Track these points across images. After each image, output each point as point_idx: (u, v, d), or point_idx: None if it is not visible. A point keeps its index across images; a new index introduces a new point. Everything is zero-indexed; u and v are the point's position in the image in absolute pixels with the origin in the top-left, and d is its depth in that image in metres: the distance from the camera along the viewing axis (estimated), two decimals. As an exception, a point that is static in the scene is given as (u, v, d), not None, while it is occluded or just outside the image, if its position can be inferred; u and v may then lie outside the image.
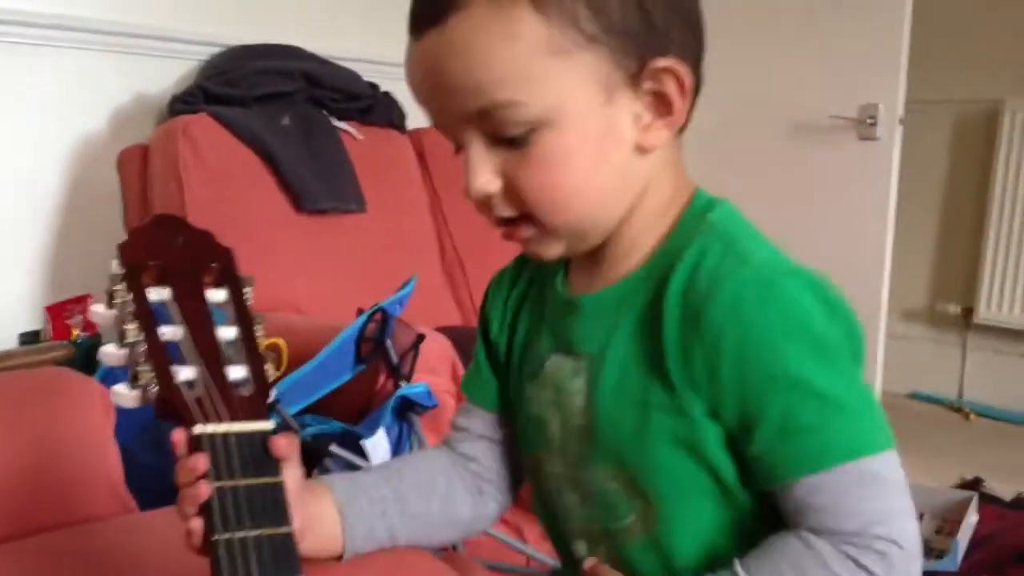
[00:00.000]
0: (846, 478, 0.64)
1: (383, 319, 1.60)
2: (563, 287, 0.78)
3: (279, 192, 2.10)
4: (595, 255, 0.75)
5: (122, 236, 2.10)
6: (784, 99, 3.14)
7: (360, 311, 1.66)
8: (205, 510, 0.64)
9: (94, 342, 1.69)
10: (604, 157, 0.70)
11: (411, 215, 2.40)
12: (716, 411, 0.67)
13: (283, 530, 0.65)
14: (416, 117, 2.51)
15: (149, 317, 0.68)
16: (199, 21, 2.21)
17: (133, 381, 0.67)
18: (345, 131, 2.28)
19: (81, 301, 1.82)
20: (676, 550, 0.73)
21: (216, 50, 2.21)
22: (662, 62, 0.69)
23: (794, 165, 3.13)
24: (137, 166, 2.05)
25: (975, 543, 2.31)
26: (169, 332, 0.68)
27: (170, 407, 0.67)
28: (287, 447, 0.68)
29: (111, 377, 1.51)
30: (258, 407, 0.69)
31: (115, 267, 0.69)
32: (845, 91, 2.99)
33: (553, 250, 0.73)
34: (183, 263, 0.71)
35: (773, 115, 3.17)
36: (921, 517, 2.42)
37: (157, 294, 0.69)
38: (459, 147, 0.71)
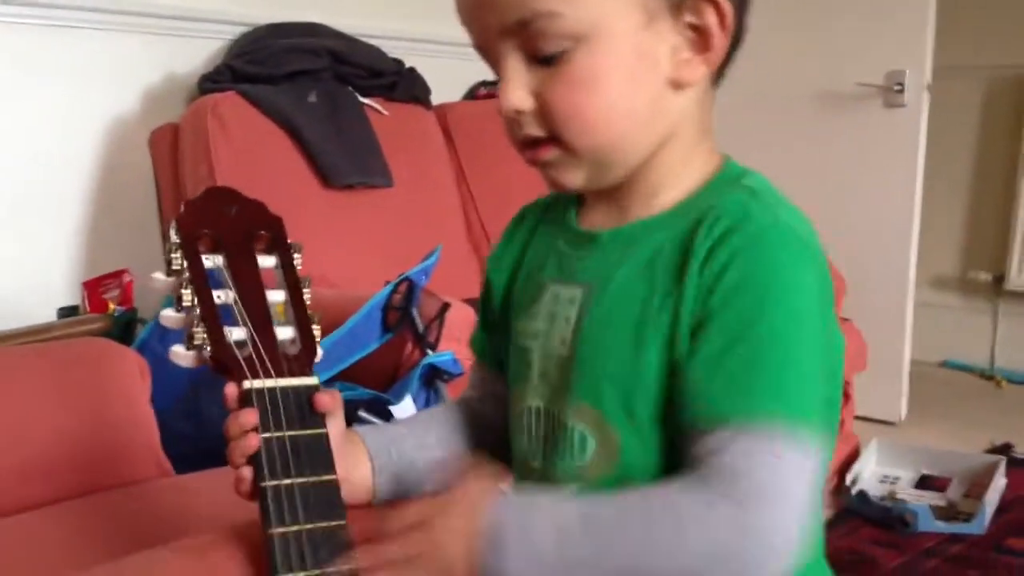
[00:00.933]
0: (760, 441, 0.63)
1: (409, 289, 1.64)
2: (575, 223, 0.79)
3: (307, 168, 2.15)
4: (613, 195, 0.75)
5: (155, 213, 2.16)
6: (810, 67, 3.13)
7: (387, 282, 1.70)
8: (254, 459, 0.70)
9: (131, 316, 1.75)
10: (637, 82, 0.69)
11: (437, 189, 2.43)
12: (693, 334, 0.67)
13: (327, 477, 0.71)
14: (441, 92, 2.54)
15: (203, 282, 0.73)
16: (227, 0, 2.24)
17: (189, 341, 0.73)
18: (371, 107, 2.32)
19: (117, 276, 1.88)
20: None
21: (243, 29, 2.26)
22: None
23: (821, 133, 3.12)
24: (168, 145, 2.10)
25: (1003, 507, 2.33)
26: (222, 296, 0.74)
27: (223, 365, 0.72)
28: (331, 402, 0.73)
29: (146, 347, 1.57)
30: (304, 365, 0.74)
31: (173, 236, 0.75)
32: (871, 58, 2.99)
33: (575, 177, 0.72)
34: (235, 231, 0.76)
35: (799, 83, 3.16)
36: (949, 481, 2.43)
37: (211, 261, 0.74)
38: (497, 67, 0.71)
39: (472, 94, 2.76)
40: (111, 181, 2.10)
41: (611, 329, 0.71)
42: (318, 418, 0.73)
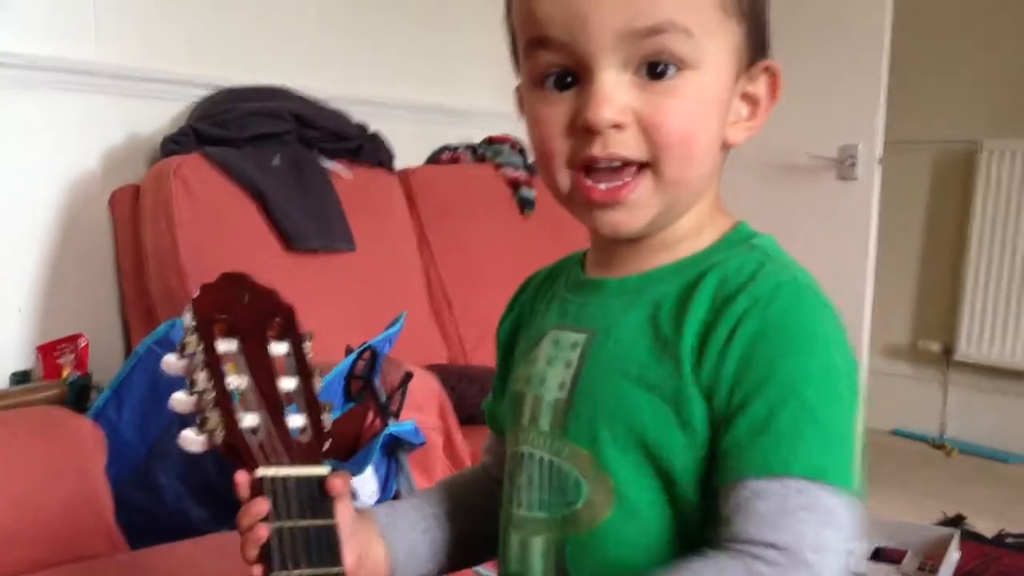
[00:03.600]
0: (796, 495, 0.62)
1: (372, 357, 1.64)
2: (581, 275, 0.79)
3: (269, 231, 2.15)
4: (631, 246, 0.74)
5: (112, 276, 2.13)
6: (763, 138, 3.18)
7: (349, 349, 1.69)
8: (264, 549, 0.71)
9: (85, 381, 1.72)
10: (719, 127, 0.72)
11: (399, 253, 2.45)
12: (710, 395, 0.67)
13: (335, 570, 0.72)
14: (403, 157, 2.56)
15: (218, 366, 0.75)
16: (191, 63, 2.28)
17: (201, 426, 0.74)
18: (334, 171, 2.32)
19: (72, 340, 1.85)
20: (619, 550, 0.71)
21: (208, 91, 2.27)
22: (768, 62, 0.73)
23: (774, 204, 3.19)
24: (129, 206, 2.10)
25: (958, 580, 2.34)
26: (235, 382, 0.75)
27: (235, 451, 0.74)
28: (341, 485, 0.75)
29: (101, 415, 1.54)
30: (315, 453, 0.76)
31: (188, 319, 0.76)
32: (824, 131, 3.09)
33: (643, 216, 0.71)
34: (249, 317, 0.78)
35: (752, 154, 3.22)
36: (904, 554, 2.45)
37: (225, 345, 0.76)
38: (574, 76, 0.69)
39: (435, 158, 2.79)
40: (69, 242, 2.09)
41: (613, 374, 0.71)
42: (328, 507, 0.74)
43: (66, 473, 1.30)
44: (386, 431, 1.64)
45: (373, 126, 2.48)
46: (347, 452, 1.64)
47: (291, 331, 0.80)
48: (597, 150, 0.68)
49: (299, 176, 2.25)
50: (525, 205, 2.72)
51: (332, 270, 2.24)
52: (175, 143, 2.14)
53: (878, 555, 2.48)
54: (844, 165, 3.06)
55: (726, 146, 0.74)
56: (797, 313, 0.67)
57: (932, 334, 3.66)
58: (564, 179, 0.71)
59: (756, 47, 0.73)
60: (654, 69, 0.68)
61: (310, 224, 2.20)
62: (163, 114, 2.22)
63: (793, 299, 0.67)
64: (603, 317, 0.74)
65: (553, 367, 0.75)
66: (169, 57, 2.23)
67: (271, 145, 2.25)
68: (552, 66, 0.69)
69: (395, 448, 1.67)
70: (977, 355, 3.49)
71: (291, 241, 2.15)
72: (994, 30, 3.39)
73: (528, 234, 2.65)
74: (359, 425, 1.68)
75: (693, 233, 0.74)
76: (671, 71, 0.68)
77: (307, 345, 0.80)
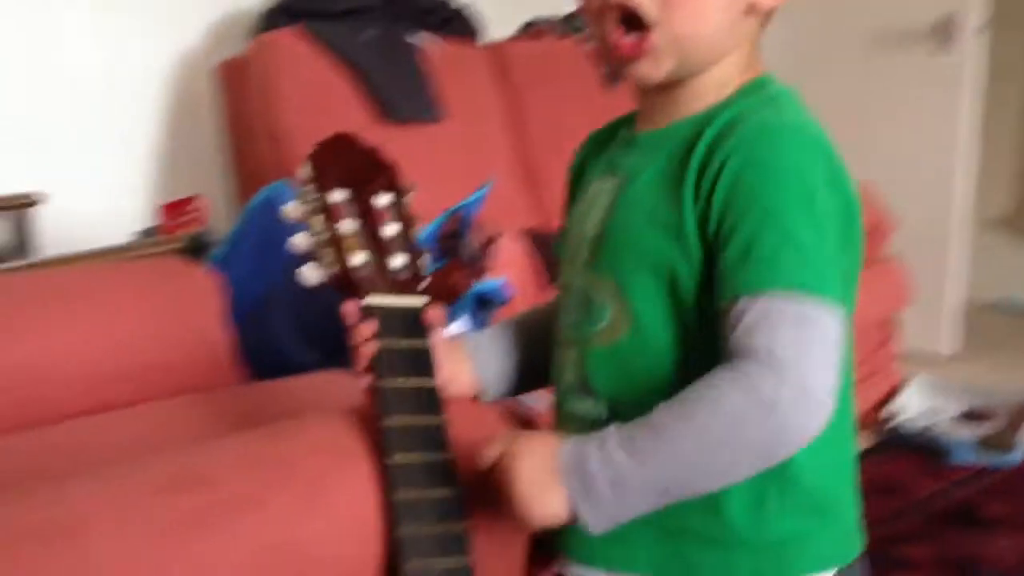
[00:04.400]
0: (778, 306, 0.71)
1: (460, 219, 1.73)
2: (629, 130, 0.90)
3: (366, 103, 2.23)
4: (664, 98, 0.84)
5: (225, 143, 2.28)
6: (858, 8, 3.14)
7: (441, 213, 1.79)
8: (373, 362, 0.84)
9: (205, 236, 1.86)
10: None
11: (488, 125, 2.51)
12: (703, 226, 0.76)
13: (430, 382, 0.85)
14: (496, 29, 2.60)
15: (332, 212, 0.86)
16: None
17: (317, 262, 0.86)
18: (424, 44, 2.39)
19: (192, 200, 2.00)
20: (631, 364, 0.81)
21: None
22: None
23: (871, 76, 3.16)
24: (235, 79, 2.22)
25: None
26: (346, 225, 0.86)
27: (345, 283, 0.86)
28: (436, 316, 0.88)
29: (220, 266, 1.68)
30: (413, 287, 0.88)
31: (306, 171, 0.87)
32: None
33: (663, 66, 0.80)
34: (358, 171, 0.89)
35: (847, 25, 3.18)
36: (991, 416, 2.48)
37: (339, 194, 0.87)
38: None
39: (523, 32, 2.82)
40: (182, 112, 2.25)
41: (633, 212, 0.82)
42: (424, 331, 0.86)
43: (188, 316, 1.44)
44: (474, 288, 1.74)
45: (461, -3, 2.52)
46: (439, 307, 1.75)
47: (394, 184, 0.91)
48: (615, 14, 0.79)
49: (390, 51, 2.33)
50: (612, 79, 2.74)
51: (422, 141, 2.33)
52: (273, 17, 2.24)
53: (966, 417, 2.53)
54: (942, 34, 2.97)
55: (751, 11, 0.82)
56: (777, 149, 0.75)
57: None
58: (598, 28, 0.82)
59: None
60: None
61: (403, 96, 2.28)
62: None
63: (775, 137, 0.75)
64: (632, 166, 0.85)
65: (594, 209, 0.87)
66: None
67: (362, 19, 2.32)
68: None
69: (483, 304, 1.77)
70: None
71: (385, 112, 2.24)
72: None
73: (615, 107, 2.67)
74: (450, 283, 1.79)
75: (717, 86, 0.82)
76: None
77: (408, 197, 0.92)
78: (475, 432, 0.86)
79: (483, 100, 2.55)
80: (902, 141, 3.09)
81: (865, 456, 2.36)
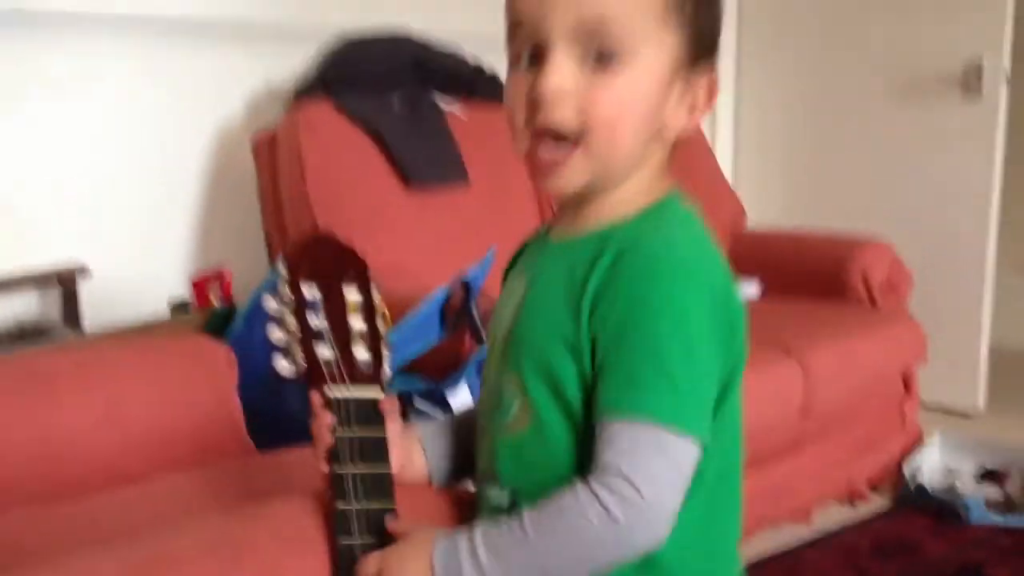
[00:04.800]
0: (642, 434, 0.78)
1: (466, 289, 1.82)
2: (546, 235, 0.96)
3: (389, 169, 2.35)
4: (576, 210, 0.90)
5: (257, 213, 2.41)
6: (886, 54, 3.17)
7: (447, 283, 1.88)
8: (330, 451, 0.92)
9: (227, 311, 1.98)
10: (651, 114, 0.85)
11: (512, 188, 2.60)
12: (594, 344, 0.82)
13: (383, 470, 0.93)
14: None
15: (303, 309, 0.96)
16: (318, 10, 2.47)
17: (289, 356, 0.95)
18: (450, 110, 2.49)
19: (219, 274, 2.13)
20: (531, 456, 0.87)
21: (333, 36, 2.46)
22: (708, 71, 0.87)
23: (897, 122, 3.19)
24: (268, 150, 2.36)
25: (1059, 501, 2.37)
26: (315, 321, 0.96)
27: (312, 376, 0.95)
28: (390, 406, 0.96)
29: (238, 340, 1.80)
30: (373, 380, 0.96)
31: (282, 271, 0.97)
32: (948, 45, 3.01)
33: (579, 179, 0.85)
34: (330, 269, 0.98)
35: (874, 71, 3.21)
36: (1011, 475, 2.47)
37: (309, 293, 0.96)
38: (538, 56, 0.83)
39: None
40: (218, 184, 2.39)
41: (533, 316, 0.88)
42: (380, 422, 0.94)
43: (202, 390, 1.56)
44: (480, 352, 1.83)
45: (489, 60, 2.61)
46: (446, 373, 1.85)
47: (363, 281, 0.99)
48: (540, 118, 0.83)
49: (416, 116, 2.45)
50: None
51: (447, 205, 2.44)
52: (305, 90, 2.37)
53: (986, 476, 2.52)
54: (969, 80, 2.98)
55: (664, 134, 0.88)
56: (661, 286, 0.81)
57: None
58: (523, 143, 0.86)
59: (698, 54, 0.86)
60: (598, 59, 0.82)
61: (426, 161, 2.39)
62: (294, 63, 2.44)
63: (661, 273, 0.81)
64: (540, 269, 0.92)
65: (507, 308, 0.94)
66: (300, 6, 2.46)
67: (390, 87, 2.44)
68: (523, 46, 0.85)
69: (487, 367, 1.86)
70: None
71: (408, 178, 2.35)
72: None
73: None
74: (458, 349, 1.88)
75: (622, 203, 0.88)
76: (613, 63, 0.82)
77: (375, 293, 1.00)
78: (422, 515, 0.95)
79: (508, 163, 2.64)
80: (927, 190, 3.11)
81: (880, 516, 2.40)
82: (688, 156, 0.92)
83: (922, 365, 2.60)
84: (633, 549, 0.80)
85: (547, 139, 0.84)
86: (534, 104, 0.83)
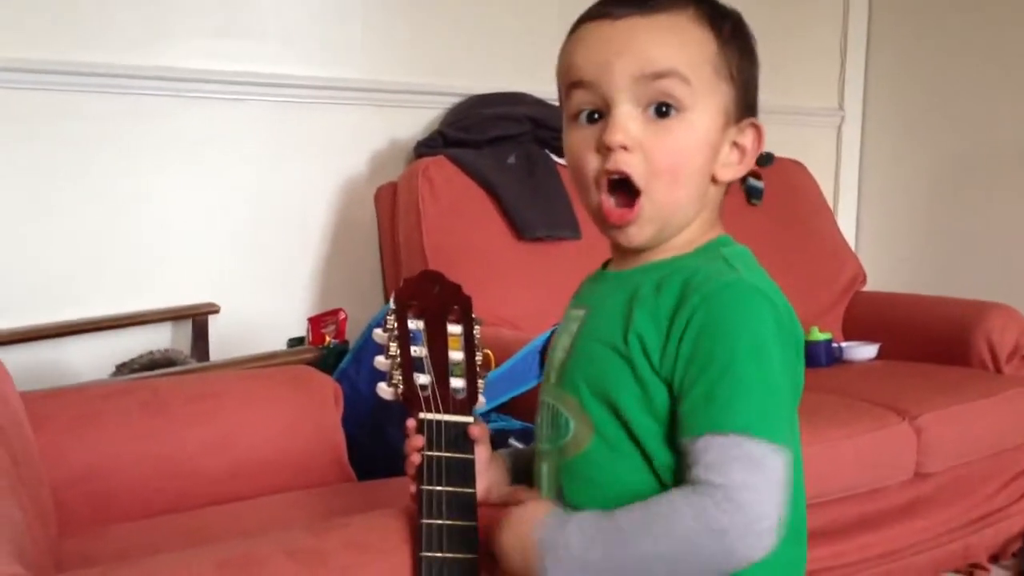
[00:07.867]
0: (732, 446, 0.81)
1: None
2: (603, 268, 1.02)
3: (503, 222, 2.44)
4: (635, 254, 0.94)
5: (376, 261, 2.57)
6: (1015, 119, 3.10)
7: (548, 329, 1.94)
8: (418, 471, 0.98)
9: (342, 348, 2.10)
10: (707, 164, 0.91)
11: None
12: (670, 377, 0.86)
13: (468, 490, 0.98)
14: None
15: (406, 340, 1.03)
16: (442, 75, 2.62)
17: (390, 381, 1.03)
18: (564, 166, 2.57)
19: (334, 314, 2.26)
20: (594, 473, 0.91)
21: (456, 99, 2.60)
22: (754, 119, 0.94)
23: (980, 201, 3.09)
24: (388, 201, 2.49)
25: None
26: (417, 351, 1.03)
27: (408, 400, 1.02)
28: (479, 431, 1.01)
29: (345, 376, 1.90)
30: (467, 407, 1.03)
31: (391, 304, 1.05)
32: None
33: (646, 232, 0.91)
34: (435, 304, 1.06)
35: (1004, 136, 3.13)
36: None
37: (414, 324, 1.04)
38: (600, 113, 0.89)
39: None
40: (343, 232, 2.52)
41: (592, 342, 0.92)
42: (469, 446, 1.00)
43: (308, 419, 1.66)
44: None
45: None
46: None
47: (466, 317, 1.07)
48: (611, 164, 0.89)
49: (531, 172, 2.54)
50: (752, 194, 2.84)
51: (559, 256, 2.50)
52: (426, 146, 2.51)
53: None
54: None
55: (717, 182, 0.93)
56: (735, 306, 0.85)
57: None
58: (592, 196, 0.92)
59: (744, 107, 0.93)
60: (659, 110, 0.89)
61: (539, 215, 2.48)
62: (419, 121, 2.59)
63: (733, 296, 0.86)
64: (598, 299, 0.96)
65: (563, 335, 0.99)
66: (424, 71, 2.61)
67: (508, 145, 2.55)
68: (584, 104, 0.91)
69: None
70: None
71: (521, 231, 2.44)
72: None
73: (755, 223, 2.76)
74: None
75: (684, 242, 0.94)
76: (672, 113, 0.89)
77: (476, 328, 1.07)
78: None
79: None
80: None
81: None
82: (808, 216, 0.96)
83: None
84: (737, 559, 0.81)
85: (616, 191, 0.90)
86: (603, 154, 0.89)
